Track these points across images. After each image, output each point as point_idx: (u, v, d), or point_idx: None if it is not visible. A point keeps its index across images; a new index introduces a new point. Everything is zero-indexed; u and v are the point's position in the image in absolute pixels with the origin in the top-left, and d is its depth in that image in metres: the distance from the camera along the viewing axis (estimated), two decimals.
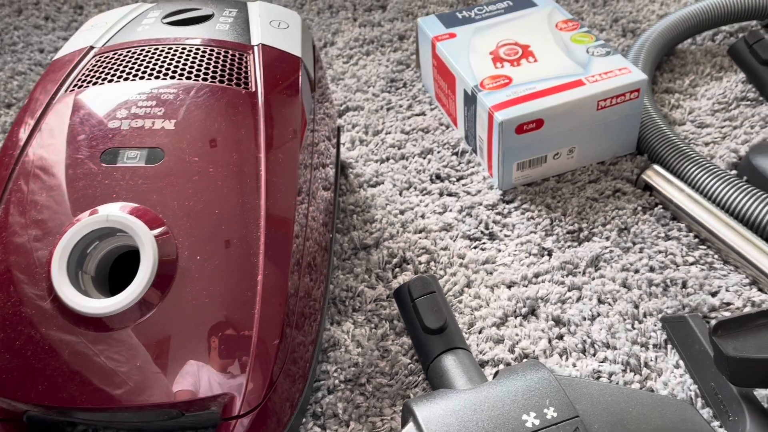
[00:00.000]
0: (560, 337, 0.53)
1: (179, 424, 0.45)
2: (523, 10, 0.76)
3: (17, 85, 0.85)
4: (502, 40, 0.71)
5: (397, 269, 0.60)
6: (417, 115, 0.77)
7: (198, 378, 0.41)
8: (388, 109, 0.79)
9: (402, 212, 0.65)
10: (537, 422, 0.41)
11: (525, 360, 0.51)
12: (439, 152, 0.72)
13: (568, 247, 0.60)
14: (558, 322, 0.54)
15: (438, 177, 0.69)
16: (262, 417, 0.42)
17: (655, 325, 0.53)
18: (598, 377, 0.50)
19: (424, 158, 0.71)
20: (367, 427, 0.48)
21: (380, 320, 0.56)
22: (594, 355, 0.52)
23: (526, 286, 0.57)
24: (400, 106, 0.79)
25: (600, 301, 0.55)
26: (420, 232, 0.63)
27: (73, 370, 0.40)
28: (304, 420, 0.49)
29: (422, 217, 0.65)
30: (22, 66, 0.88)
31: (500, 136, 0.62)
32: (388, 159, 0.72)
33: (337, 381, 0.51)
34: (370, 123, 0.76)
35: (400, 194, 0.68)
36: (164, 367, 0.40)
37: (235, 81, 0.50)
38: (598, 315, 0.54)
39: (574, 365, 0.51)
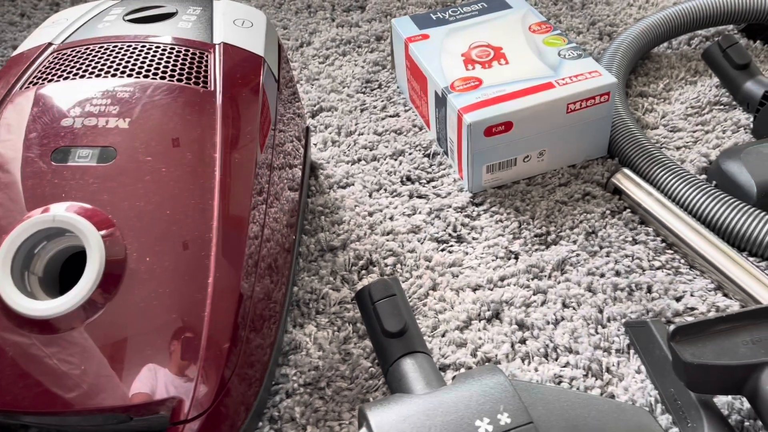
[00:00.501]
0: (523, 341, 0.53)
1: (129, 428, 0.45)
2: (498, 12, 0.76)
3: None
4: (475, 42, 0.71)
5: (363, 271, 0.59)
6: (391, 116, 0.77)
7: (146, 381, 0.40)
8: (362, 110, 0.78)
9: (371, 214, 0.65)
10: (490, 428, 0.40)
11: (484, 364, 0.50)
12: (410, 154, 0.71)
13: (536, 250, 0.60)
14: (522, 326, 0.54)
15: (408, 179, 0.68)
16: (212, 421, 0.41)
17: (619, 330, 0.52)
18: (560, 382, 0.50)
19: (396, 160, 0.71)
20: (324, 431, 0.48)
21: (343, 323, 0.55)
22: (556, 359, 0.51)
23: (492, 290, 0.57)
24: (374, 107, 0.78)
25: (564, 305, 0.55)
26: (388, 234, 0.63)
27: (19, 372, 0.40)
28: (260, 424, 0.48)
29: (391, 219, 0.64)
30: None
31: (469, 138, 0.62)
32: (359, 160, 0.71)
33: (296, 385, 0.50)
34: (343, 124, 0.76)
35: (370, 196, 0.67)
36: (112, 370, 0.40)
37: (193, 80, 0.49)
38: (562, 319, 0.54)
39: (536, 370, 0.51)
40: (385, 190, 0.67)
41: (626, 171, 0.64)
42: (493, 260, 0.59)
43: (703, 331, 0.44)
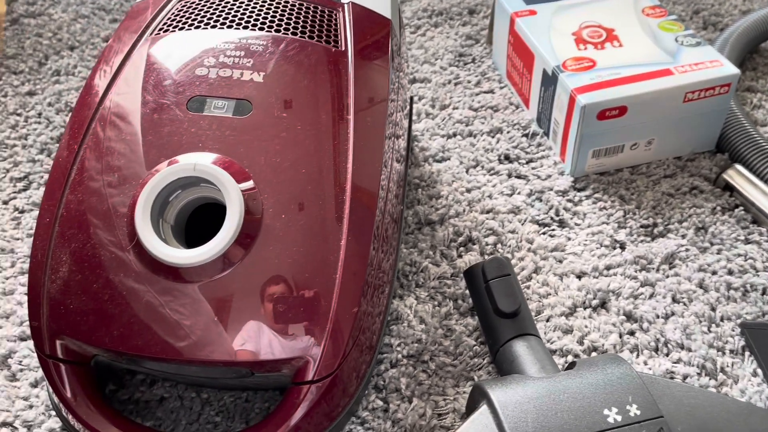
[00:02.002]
0: (631, 333, 0.52)
1: (245, 384, 0.45)
2: None
3: (80, 28, 0.84)
4: (585, 22, 0.69)
5: (462, 248, 0.58)
6: (486, 92, 0.75)
7: (273, 338, 0.39)
8: (455, 84, 0.76)
9: (469, 190, 0.64)
10: (619, 418, 0.39)
11: (603, 353, 0.49)
12: (508, 132, 0.69)
13: (641, 241, 0.58)
14: (630, 317, 0.53)
15: (507, 158, 0.67)
16: (333, 385, 0.41)
17: (733, 330, 0.51)
18: (671, 378, 0.48)
19: (493, 137, 0.69)
20: (429, 405, 0.47)
21: (444, 298, 0.54)
22: (667, 354, 0.50)
23: (597, 278, 0.55)
24: (468, 81, 0.77)
25: (674, 300, 0.53)
26: (487, 212, 0.61)
27: (148, 319, 0.40)
28: (366, 392, 0.48)
29: (489, 197, 0.63)
30: (85, 9, 0.87)
31: (580, 121, 0.60)
32: (455, 135, 0.70)
33: (399, 356, 0.50)
34: (437, 96, 0.74)
35: (467, 172, 0.66)
36: (240, 325, 0.39)
37: (324, 38, 0.48)
38: (672, 314, 0.52)
39: (646, 363, 0.49)
40: (483, 167, 0.66)
41: (739, 167, 0.62)
42: (597, 248, 0.58)
43: None
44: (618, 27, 0.68)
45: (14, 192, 0.63)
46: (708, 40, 0.79)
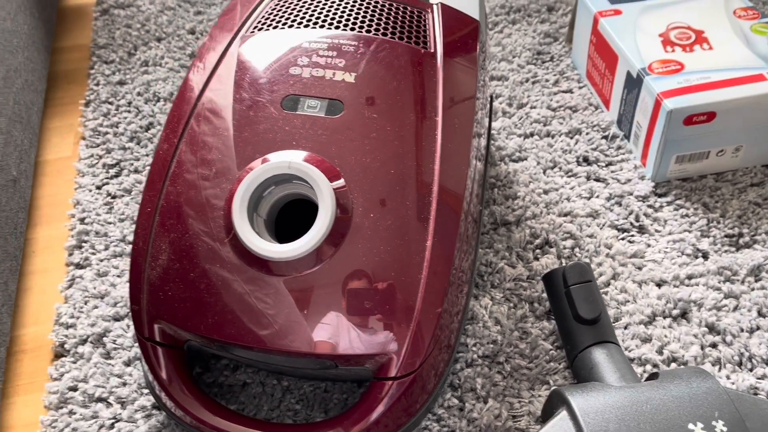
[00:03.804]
0: (714, 346, 0.50)
1: (326, 375, 0.46)
2: None
3: (167, 20, 0.87)
4: (673, 23, 0.67)
5: (538, 251, 0.58)
6: (564, 91, 0.74)
7: (359, 334, 0.41)
8: (533, 83, 0.76)
9: (546, 192, 0.63)
10: None
11: (686, 366, 0.48)
12: (587, 134, 0.68)
13: (726, 251, 0.57)
14: (712, 329, 0.51)
15: (585, 160, 0.66)
16: (414, 382, 0.42)
17: None
18: (755, 394, 0.47)
19: (572, 138, 0.68)
20: (504, 406, 0.48)
21: (519, 300, 0.54)
22: (751, 370, 0.49)
23: (678, 287, 0.54)
24: (547, 80, 0.76)
25: (760, 314, 0.52)
26: (565, 215, 0.61)
27: (241, 309, 0.41)
28: (442, 389, 0.49)
29: (567, 199, 0.62)
30: (171, 1, 0.90)
31: (666, 125, 0.59)
32: (532, 134, 0.69)
33: (475, 355, 0.50)
34: (514, 95, 0.74)
35: (544, 173, 0.65)
36: (328, 320, 0.41)
37: (414, 39, 0.49)
38: (758, 328, 0.51)
39: (728, 377, 0.48)
40: (560, 168, 0.65)
41: None
42: (678, 256, 0.57)
43: None
44: (708, 29, 0.66)
45: (107, 178, 0.67)
46: None
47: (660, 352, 0.50)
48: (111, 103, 0.75)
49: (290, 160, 0.42)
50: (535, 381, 0.49)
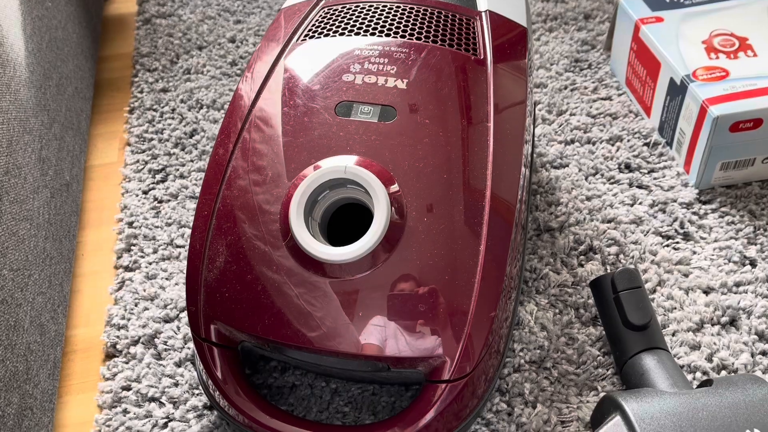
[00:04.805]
0: (764, 353, 0.50)
1: (376, 377, 0.46)
2: None
3: (207, 29, 0.88)
4: (716, 30, 0.67)
5: (582, 257, 0.58)
6: (603, 99, 0.74)
7: (412, 337, 0.41)
8: (572, 90, 0.76)
9: (589, 198, 0.63)
10: None
11: (737, 373, 0.48)
12: (629, 141, 0.68)
13: None
14: (762, 336, 0.51)
15: (627, 167, 0.66)
16: (466, 386, 0.42)
17: None
18: None
19: (613, 145, 0.68)
20: (553, 411, 0.48)
21: (565, 306, 0.54)
22: None
23: (726, 294, 0.54)
24: (585, 87, 0.76)
25: None
26: (609, 221, 0.61)
27: (296, 311, 0.42)
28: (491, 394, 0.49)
29: (611, 206, 0.62)
30: (211, 11, 0.92)
31: (711, 132, 0.59)
32: (572, 141, 0.69)
33: (522, 361, 0.51)
34: (553, 102, 0.74)
35: (586, 179, 0.65)
36: (383, 322, 0.41)
37: (464, 46, 0.49)
38: None
39: None
40: (602, 175, 0.65)
41: None
42: (725, 263, 0.56)
43: None
44: (751, 35, 0.65)
45: (153, 183, 0.68)
46: None
47: (709, 359, 0.50)
48: (155, 110, 0.76)
49: (346, 164, 0.42)
50: (583, 387, 0.49)
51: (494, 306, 0.42)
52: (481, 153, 0.44)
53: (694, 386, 0.46)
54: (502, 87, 0.47)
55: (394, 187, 0.42)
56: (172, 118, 0.75)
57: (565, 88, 0.76)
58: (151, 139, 0.73)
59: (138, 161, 0.70)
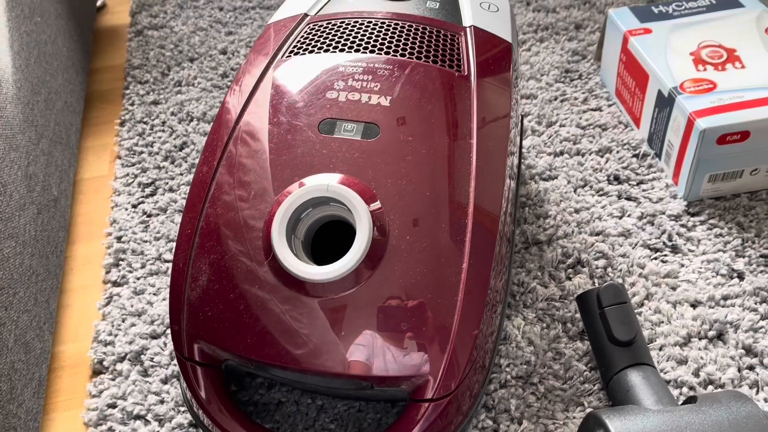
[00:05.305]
0: (751, 368, 0.50)
1: (361, 395, 0.46)
2: (728, 10, 0.71)
3: (199, 41, 0.89)
4: (704, 41, 0.67)
5: (570, 270, 0.58)
6: (593, 110, 0.74)
7: (395, 355, 0.41)
8: (562, 101, 0.76)
9: (577, 211, 0.63)
10: None
11: (724, 389, 0.48)
12: (618, 152, 0.68)
13: (762, 272, 0.56)
14: (749, 351, 0.51)
15: (616, 178, 0.66)
16: (450, 404, 0.42)
17: None
18: None
19: (602, 156, 0.68)
20: (539, 427, 0.48)
21: (552, 321, 0.54)
22: None
23: (713, 308, 0.54)
24: (575, 98, 0.76)
25: None
26: (597, 234, 0.61)
27: (279, 330, 0.42)
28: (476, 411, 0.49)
29: (599, 219, 0.62)
30: (203, 22, 0.92)
31: (699, 145, 0.59)
32: (562, 153, 0.69)
33: (508, 376, 0.50)
34: (543, 113, 0.74)
35: (575, 191, 0.65)
36: (365, 341, 0.41)
37: (447, 62, 0.49)
38: None
39: (767, 400, 0.48)
40: (591, 187, 0.65)
41: None
42: (713, 276, 0.56)
43: None
44: (740, 47, 0.65)
45: (142, 197, 0.68)
46: None
47: (696, 374, 0.50)
48: (146, 123, 0.77)
49: (328, 182, 0.42)
50: (569, 402, 0.49)
51: (477, 323, 0.42)
52: (463, 169, 0.44)
53: (680, 402, 0.46)
54: (485, 103, 0.47)
55: (376, 205, 0.42)
56: (163, 131, 0.75)
57: (555, 99, 0.76)
58: (141, 153, 0.73)
59: (128, 174, 0.70)
